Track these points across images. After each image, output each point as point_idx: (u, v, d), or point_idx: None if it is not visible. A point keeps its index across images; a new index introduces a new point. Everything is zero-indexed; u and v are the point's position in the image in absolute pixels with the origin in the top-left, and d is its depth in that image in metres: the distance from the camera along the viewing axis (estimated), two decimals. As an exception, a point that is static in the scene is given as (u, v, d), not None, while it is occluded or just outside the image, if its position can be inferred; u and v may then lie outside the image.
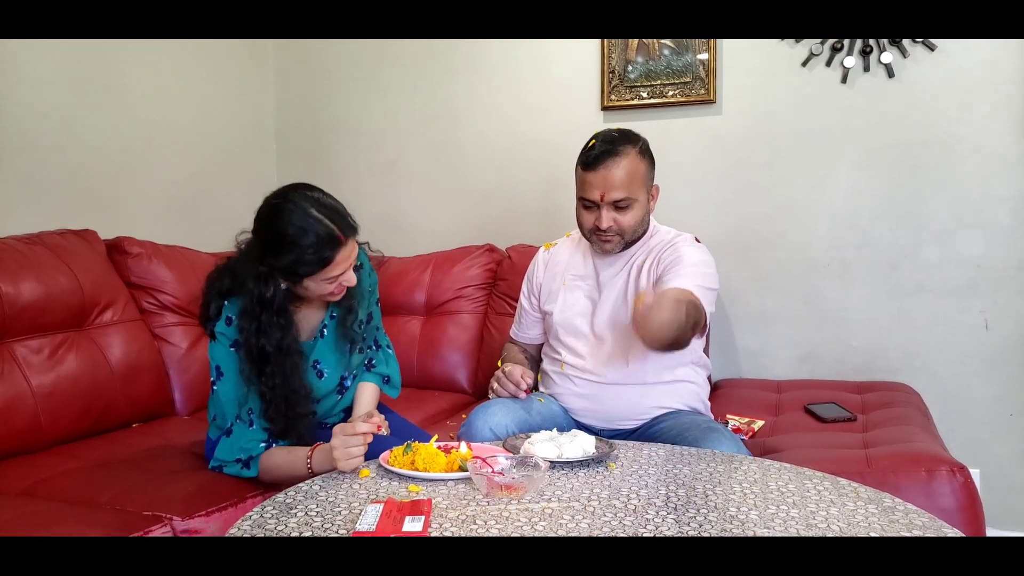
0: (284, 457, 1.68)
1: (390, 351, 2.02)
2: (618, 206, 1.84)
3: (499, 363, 1.98)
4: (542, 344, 2.10)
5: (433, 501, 1.30)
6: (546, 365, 2.03)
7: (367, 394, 1.91)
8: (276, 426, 1.70)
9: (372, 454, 1.55)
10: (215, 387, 1.73)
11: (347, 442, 1.50)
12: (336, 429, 1.53)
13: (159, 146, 2.82)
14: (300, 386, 1.70)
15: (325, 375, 1.82)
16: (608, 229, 1.85)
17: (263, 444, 1.70)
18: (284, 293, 1.66)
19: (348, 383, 1.89)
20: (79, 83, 2.53)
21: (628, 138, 1.88)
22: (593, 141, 1.87)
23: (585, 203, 1.88)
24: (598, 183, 1.83)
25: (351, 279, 1.69)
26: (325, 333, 1.82)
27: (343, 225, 1.63)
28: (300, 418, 1.71)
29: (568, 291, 1.98)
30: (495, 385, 1.90)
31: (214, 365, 1.72)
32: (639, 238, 1.92)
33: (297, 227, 1.59)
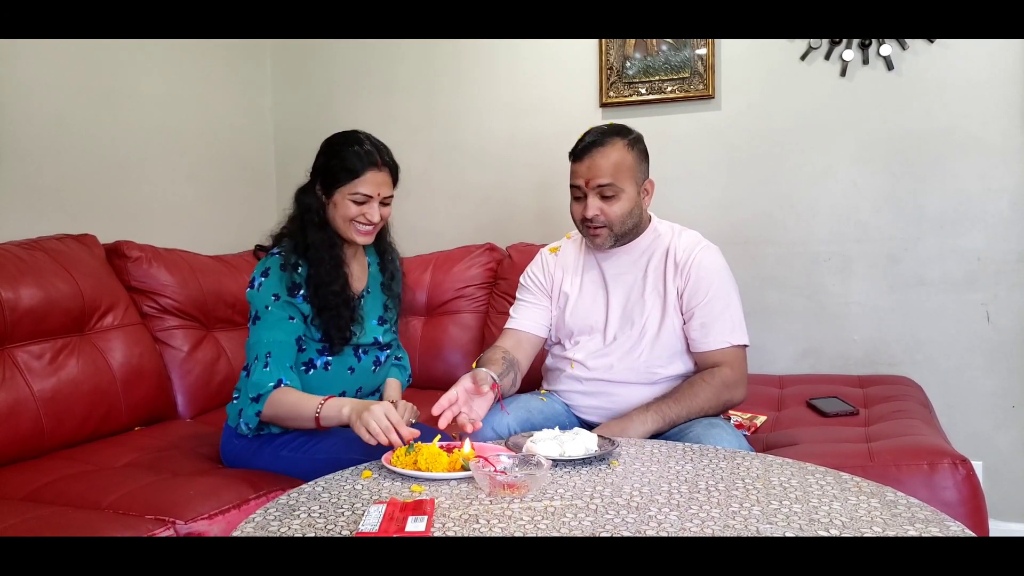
0: (295, 398, 1.74)
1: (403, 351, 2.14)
2: (604, 195, 1.85)
3: (473, 364, 1.94)
4: (539, 340, 2.02)
5: (436, 501, 1.30)
6: (553, 363, 2.02)
7: (395, 388, 2.02)
8: (325, 328, 1.80)
9: (377, 453, 1.56)
10: (252, 328, 1.80)
11: (384, 417, 1.54)
12: (385, 404, 1.58)
13: (158, 150, 2.81)
14: (333, 280, 1.79)
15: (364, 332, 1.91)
16: (594, 218, 1.85)
17: (272, 385, 1.74)
18: (321, 206, 1.81)
19: (382, 358, 1.96)
20: (77, 87, 2.53)
21: (618, 131, 1.89)
22: (584, 134, 1.90)
23: (574, 193, 1.90)
24: (583, 171, 1.86)
25: (374, 213, 1.80)
26: (369, 291, 1.94)
27: (384, 154, 1.81)
28: (344, 318, 1.80)
29: (579, 292, 1.97)
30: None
31: (252, 312, 1.80)
32: (629, 231, 1.91)
33: (345, 138, 1.82)
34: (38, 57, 2.40)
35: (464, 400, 1.67)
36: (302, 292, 1.79)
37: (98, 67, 2.59)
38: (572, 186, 1.90)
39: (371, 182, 1.78)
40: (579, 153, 1.88)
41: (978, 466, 1.92)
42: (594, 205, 1.85)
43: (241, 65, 3.21)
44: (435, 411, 1.62)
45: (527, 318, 2.01)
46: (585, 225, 1.89)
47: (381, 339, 1.94)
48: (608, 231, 1.87)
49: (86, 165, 2.56)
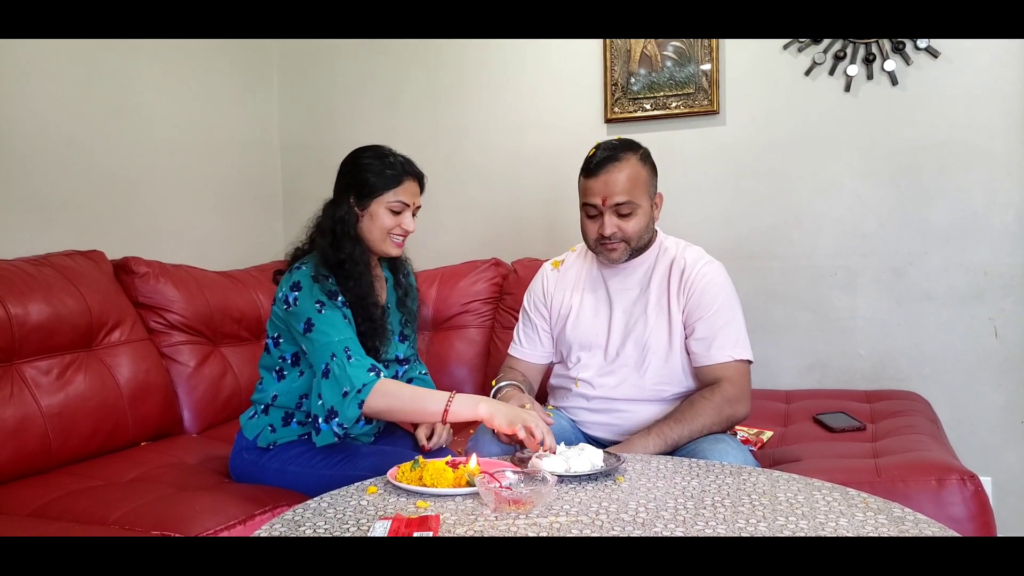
0: (410, 390, 1.71)
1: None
2: (621, 212, 1.83)
3: (492, 383, 1.95)
4: (543, 367, 2.06)
5: (441, 516, 1.30)
6: (558, 382, 2.01)
7: None
8: (366, 341, 1.77)
9: (381, 470, 1.56)
10: (310, 335, 1.71)
11: (540, 420, 1.61)
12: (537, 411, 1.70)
13: (165, 165, 2.83)
14: (370, 292, 1.81)
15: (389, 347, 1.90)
16: (612, 236, 1.83)
17: (373, 375, 1.67)
18: (355, 219, 1.81)
19: (400, 372, 1.96)
20: (85, 103, 2.55)
21: (629, 145, 1.88)
22: (594, 150, 1.88)
23: (588, 211, 1.87)
24: (599, 189, 1.83)
25: (410, 223, 1.85)
26: (389, 307, 1.94)
27: (414, 165, 1.87)
28: (380, 330, 1.81)
29: (580, 306, 1.97)
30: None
31: (302, 325, 1.73)
32: (645, 245, 1.92)
33: (374, 151, 1.85)
34: (46, 73, 2.43)
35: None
36: (340, 299, 1.77)
37: (106, 83, 2.62)
38: (586, 204, 1.86)
39: (408, 191, 1.83)
40: (593, 170, 1.83)
41: (987, 482, 1.90)
42: (612, 223, 1.82)
43: (248, 82, 3.24)
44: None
45: (531, 348, 2.04)
46: (601, 243, 1.86)
47: (401, 356, 1.95)
48: (626, 246, 1.86)
49: (94, 181, 2.58)
